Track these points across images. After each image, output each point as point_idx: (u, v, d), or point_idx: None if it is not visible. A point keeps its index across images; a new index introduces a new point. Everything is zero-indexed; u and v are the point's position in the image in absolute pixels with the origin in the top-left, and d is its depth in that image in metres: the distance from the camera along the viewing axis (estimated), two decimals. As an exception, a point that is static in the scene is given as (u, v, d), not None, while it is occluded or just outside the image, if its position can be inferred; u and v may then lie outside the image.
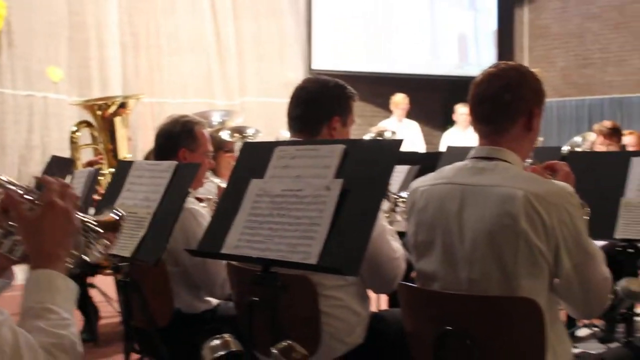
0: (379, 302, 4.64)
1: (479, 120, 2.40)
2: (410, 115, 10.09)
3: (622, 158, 3.56)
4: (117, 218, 1.79)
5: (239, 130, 4.94)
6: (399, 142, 2.18)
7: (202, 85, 10.36)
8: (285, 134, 3.31)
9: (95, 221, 1.74)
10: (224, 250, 2.37)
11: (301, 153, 2.39)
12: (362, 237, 2.08)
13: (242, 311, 2.76)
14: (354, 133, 3.10)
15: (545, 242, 2.18)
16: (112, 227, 1.77)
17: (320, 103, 2.89)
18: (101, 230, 1.74)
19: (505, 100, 2.33)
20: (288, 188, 2.32)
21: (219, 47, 10.51)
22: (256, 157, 2.53)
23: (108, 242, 1.74)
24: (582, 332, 5.33)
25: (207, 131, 3.61)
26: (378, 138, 5.88)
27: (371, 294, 2.86)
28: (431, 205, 2.38)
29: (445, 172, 2.43)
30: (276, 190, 2.35)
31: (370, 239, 2.10)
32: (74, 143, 5.97)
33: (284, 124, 3.05)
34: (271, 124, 9.33)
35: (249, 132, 4.92)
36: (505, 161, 2.32)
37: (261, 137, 5.05)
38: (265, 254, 2.24)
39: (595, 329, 5.27)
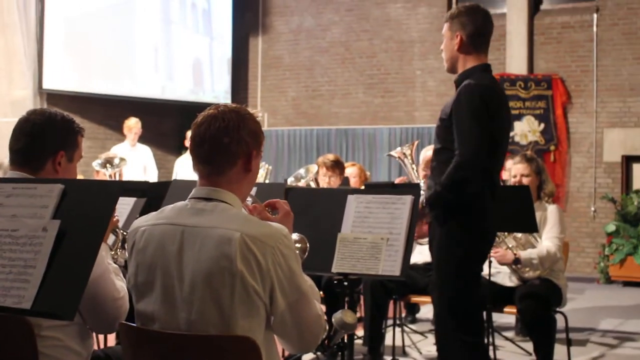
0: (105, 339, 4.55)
1: (198, 160, 2.41)
2: (144, 139, 9.97)
3: (339, 194, 3.77)
4: None
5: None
6: (120, 183, 2.18)
7: None
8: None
9: None
10: None
11: (18, 191, 2.30)
12: (79, 280, 2.05)
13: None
14: (85, 156, 3.01)
15: (260, 282, 2.23)
16: None
17: (46, 137, 2.78)
18: None
19: (224, 142, 2.35)
20: (3, 228, 2.23)
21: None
22: (-32, 194, 2.40)
23: None
24: (307, 357, 5.58)
25: None
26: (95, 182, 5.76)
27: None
28: (151, 246, 2.35)
29: (166, 212, 2.42)
30: (-11, 230, 2.24)
31: (87, 281, 2.06)
32: None
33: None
34: (-4, 144, 8.81)
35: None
36: (225, 202, 2.35)
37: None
38: (-25, 298, 2.13)
39: (319, 353, 5.54)
